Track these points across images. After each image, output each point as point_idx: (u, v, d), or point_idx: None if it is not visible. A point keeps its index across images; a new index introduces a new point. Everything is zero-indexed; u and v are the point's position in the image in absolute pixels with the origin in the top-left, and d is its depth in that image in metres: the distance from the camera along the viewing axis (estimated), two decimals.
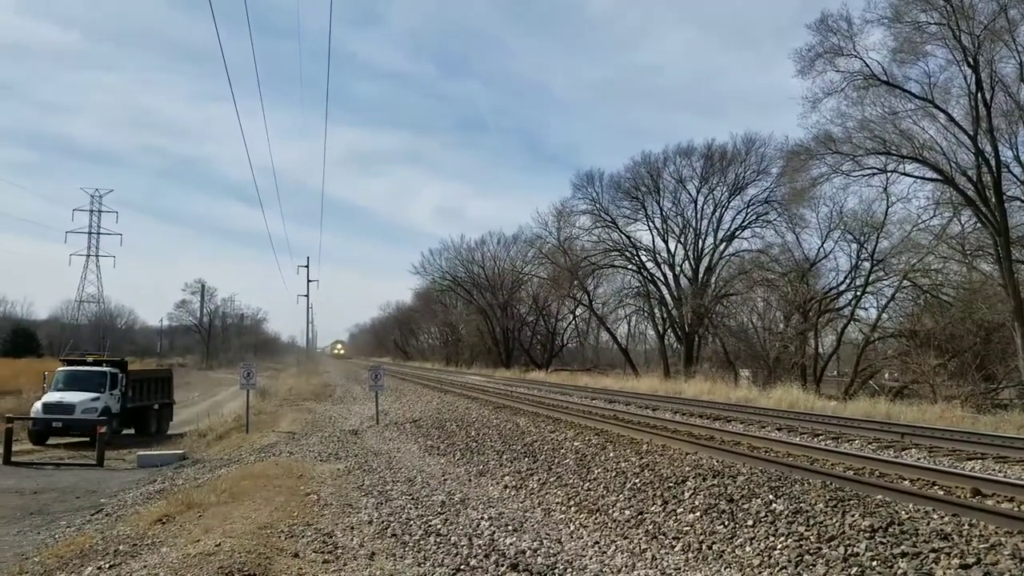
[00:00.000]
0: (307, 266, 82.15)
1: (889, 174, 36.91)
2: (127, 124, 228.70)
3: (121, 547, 9.80)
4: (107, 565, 8.97)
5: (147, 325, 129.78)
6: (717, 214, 56.99)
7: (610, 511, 10.43)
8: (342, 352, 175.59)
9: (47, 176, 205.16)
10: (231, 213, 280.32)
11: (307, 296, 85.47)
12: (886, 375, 41.45)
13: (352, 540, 9.59)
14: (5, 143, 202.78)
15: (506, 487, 13.12)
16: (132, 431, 30.49)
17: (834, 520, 8.22)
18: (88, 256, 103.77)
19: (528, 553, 8.86)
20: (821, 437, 16.78)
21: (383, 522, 10.55)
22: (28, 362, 61.69)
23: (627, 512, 10.19)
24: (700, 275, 56.52)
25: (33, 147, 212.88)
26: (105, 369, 29.29)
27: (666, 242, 59.08)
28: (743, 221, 55.46)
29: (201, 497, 12.67)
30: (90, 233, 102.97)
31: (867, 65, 34.84)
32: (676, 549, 8.62)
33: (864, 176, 37.50)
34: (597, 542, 9.32)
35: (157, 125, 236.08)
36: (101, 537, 10.96)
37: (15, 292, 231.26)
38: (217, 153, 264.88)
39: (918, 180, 36.36)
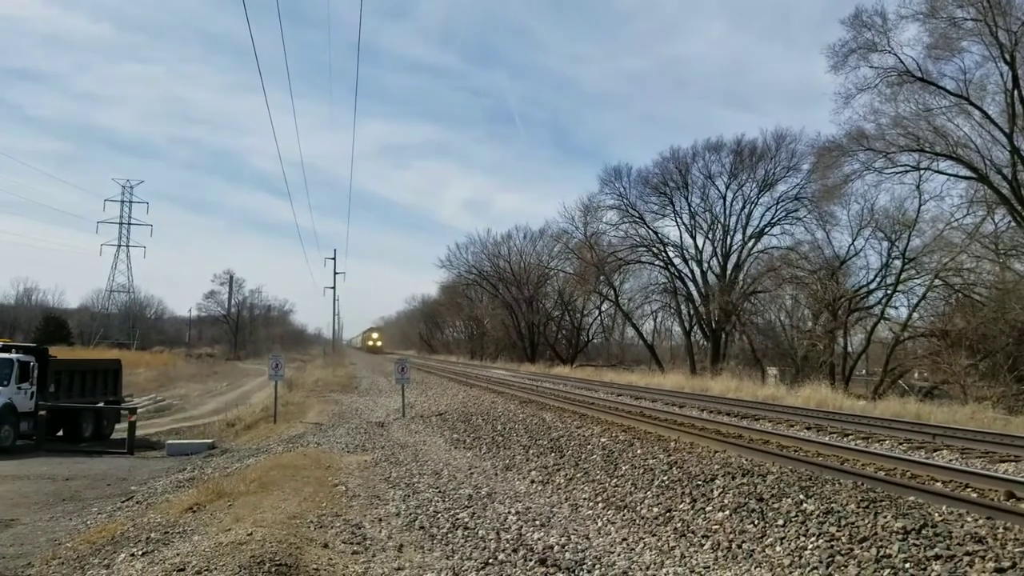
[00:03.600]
0: (334, 258, 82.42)
1: (922, 172, 36.63)
2: (161, 115, 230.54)
3: (153, 534, 9.92)
4: (139, 552, 9.09)
5: (176, 315, 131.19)
6: (746, 210, 56.76)
7: (638, 508, 10.40)
8: (379, 343, 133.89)
9: (81, 167, 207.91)
10: (261, 205, 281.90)
11: (334, 288, 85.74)
12: (916, 375, 40.98)
13: (380, 532, 9.64)
14: (41, 134, 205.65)
15: (533, 482, 13.12)
16: (60, 434, 25.24)
17: (866, 521, 8.13)
18: (119, 246, 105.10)
19: (556, 548, 8.85)
20: (851, 437, 16.61)
21: (411, 514, 10.60)
22: (58, 350, 62.39)
23: (655, 509, 10.16)
24: (728, 272, 56.23)
25: (68, 138, 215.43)
26: (11, 356, 23.69)
27: (694, 238, 58.94)
28: (772, 218, 55.21)
29: (231, 486, 12.80)
30: (121, 223, 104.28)
31: (901, 61, 34.61)
32: (705, 547, 8.58)
33: (897, 173, 37.27)
34: (625, 539, 9.29)
35: (191, 117, 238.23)
36: (132, 524, 11.09)
37: (47, 281, 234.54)
38: (249, 145, 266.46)
39: (952, 178, 36.06)
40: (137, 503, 14.31)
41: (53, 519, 13.44)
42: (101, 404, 26.83)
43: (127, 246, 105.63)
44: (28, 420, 23.50)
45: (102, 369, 28.97)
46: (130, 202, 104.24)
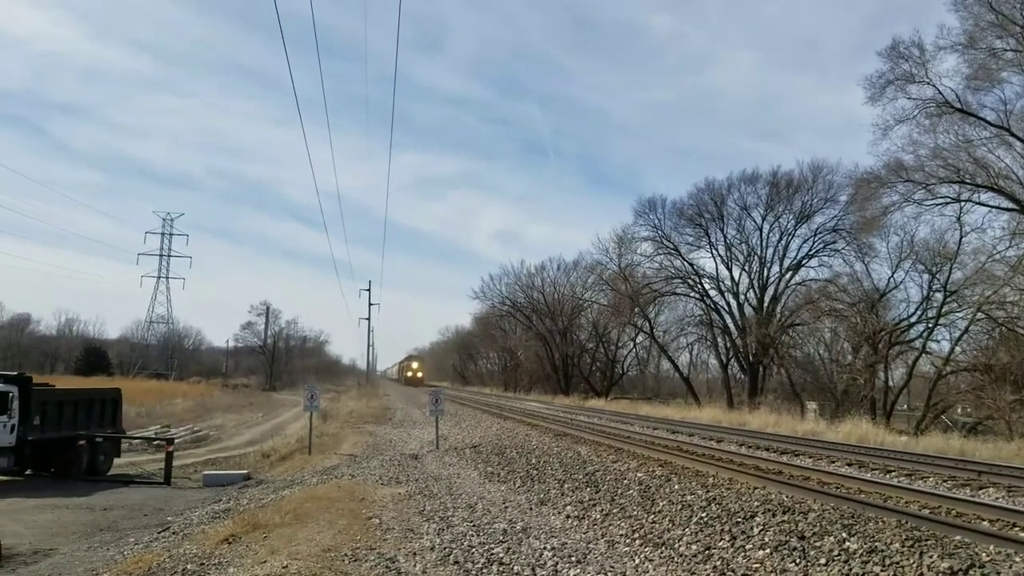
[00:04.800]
0: (369, 289, 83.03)
1: (963, 203, 36.16)
2: (196, 147, 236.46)
3: (189, 566, 9.93)
4: None
5: (213, 346, 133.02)
6: (783, 242, 56.32)
7: (676, 545, 10.23)
8: (419, 374, 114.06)
9: (120, 197, 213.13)
10: (295, 236, 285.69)
11: (368, 319, 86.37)
12: (959, 410, 40.16)
13: (415, 566, 9.57)
14: (80, 165, 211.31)
15: (568, 517, 12.98)
16: (52, 471, 23.35)
17: (911, 561, 7.94)
18: (159, 278, 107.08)
19: None
20: (893, 473, 16.27)
21: (445, 548, 10.51)
22: (98, 380, 63.72)
23: (694, 547, 9.99)
24: (765, 304, 55.72)
25: (105, 169, 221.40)
26: None
27: (730, 270, 58.59)
28: (810, 250, 54.72)
29: (266, 518, 12.81)
30: (161, 255, 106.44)
31: (940, 92, 34.35)
32: None
33: (937, 205, 36.88)
34: None
35: (224, 148, 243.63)
36: (168, 555, 11.12)
37: (88, 312, 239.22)
38: (281, 176, 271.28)
39: (993, 210, 35.51)
40: (173, 534, 14.37)
41: (91, 549, 13.56)
42: (100, 438, 24.60)
43: (167, 278, 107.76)
44: (8, 455, 21.57)
45: (99, 399, 26.16)
46: (170, 234, 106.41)
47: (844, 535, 9.05)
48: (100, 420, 25.35)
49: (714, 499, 11.92)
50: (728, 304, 59.04)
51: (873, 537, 8.84)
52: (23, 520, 15.83)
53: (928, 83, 34.60)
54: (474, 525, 12.14)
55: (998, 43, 32.01)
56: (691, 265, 60.32)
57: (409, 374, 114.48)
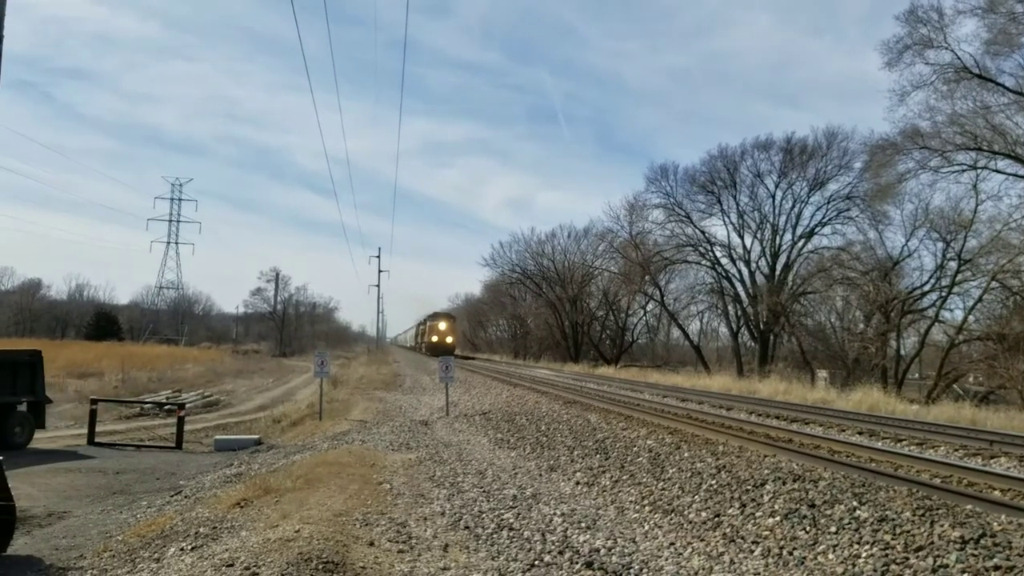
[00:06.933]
0: (378, 256, 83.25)
1: (979, 171, 35.86)
2: (208, 114, 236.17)
3: (201, 529, 10.00)
4: (189, 547, 9.17)
5: (223, 312, 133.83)
6: (796, 209, 56.03)
7: (685, 512, 10.25)
8: (448, 339, 78.41)
9: (131, 164, 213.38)
10: (304, 203, 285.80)
11: (378, 286, 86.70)
12: (971, 379, 40.08)
13: (425, 531, 9.62)
14: (91, 132, 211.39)
15: (578, 483, 13.02)
16: None
17: (922, 529, 7.91)
18: (168, 243, 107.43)
19: (603, 551, 8.75)
20: (904, 442, 16.24)
21: (455, 514, 10.57)
22: (109, 345, 64.28)
23: (703, 514, 10.00)
24: (777, 272, 55.54)
25: (117, 136, 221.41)
26: None
27: (742, 238, 58.37)
28: (823, 217, 54.44)
29: (278, 482, 12.87)
30: (170, 221, 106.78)
31: (958, 57, 33.92)
32: (755, 554, 8.41)
33: (953, 172, 36.57)
34: (673, 543, 9.15)
35: (235, 115, 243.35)
36: (181, 519, 11.20)
37: (98, 277, 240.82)
38: (291, 143, 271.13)
39: (1010, 177, 35.18)
40: (185, 498, 14.47)
41: (104, 512, 13.67)
42: (20, 406, 21.36)
43: (176, 243, 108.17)
44: None
45: (9, 362, 21.91)
46: (179, 200, 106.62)
47: (855, 504, 9.03)
48: (12, 386, 21.38)
49: (724, 467, 11.91)
50: (739, 272, 59.00)
51: (884, 506, 8.82)
52: (36, 483, 15.97)
53: (946, 48, 34.16)
54: (484, 491, 12.18)
55: (1019, 7, 31.54)
56: (703, 233, 60.25)
57: (435, 339, 78.94)
